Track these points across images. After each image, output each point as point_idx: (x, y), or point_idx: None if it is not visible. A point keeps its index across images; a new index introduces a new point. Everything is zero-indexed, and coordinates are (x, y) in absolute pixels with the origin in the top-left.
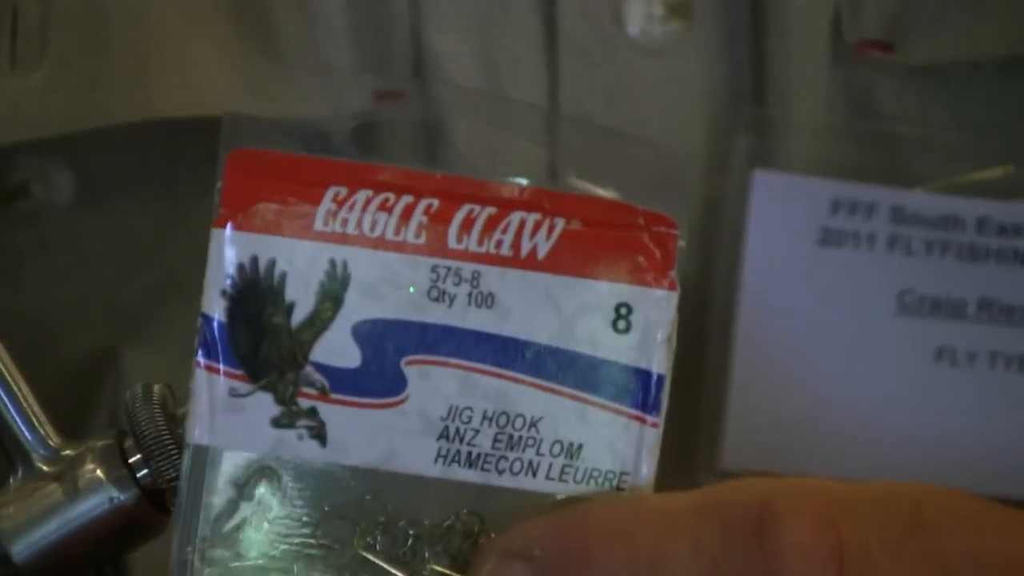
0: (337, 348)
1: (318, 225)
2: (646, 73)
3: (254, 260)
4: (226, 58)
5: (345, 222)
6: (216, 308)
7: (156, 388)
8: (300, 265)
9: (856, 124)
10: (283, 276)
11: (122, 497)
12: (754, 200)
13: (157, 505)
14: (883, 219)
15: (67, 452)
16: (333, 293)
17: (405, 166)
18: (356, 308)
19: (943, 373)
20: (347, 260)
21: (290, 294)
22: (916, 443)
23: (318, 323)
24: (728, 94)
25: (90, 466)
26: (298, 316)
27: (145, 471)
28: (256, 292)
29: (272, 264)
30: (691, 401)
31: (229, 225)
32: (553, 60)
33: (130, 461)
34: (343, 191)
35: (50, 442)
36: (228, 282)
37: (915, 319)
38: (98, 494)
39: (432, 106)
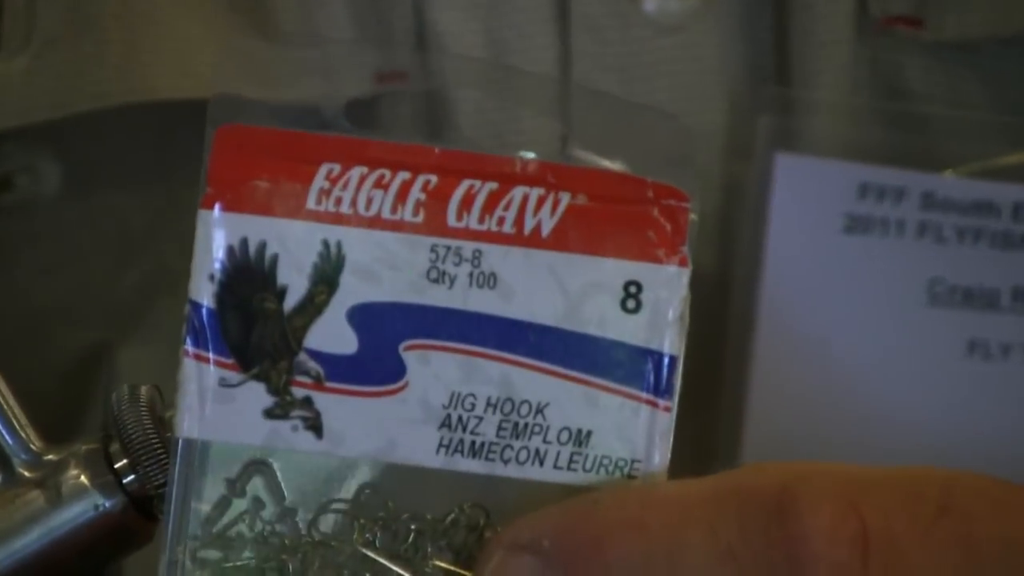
0: (332, 334)
1: (311, 204)
2: (662, 51)
3: (244, 242)
4: (220, 38)
5: (339, 200)
6: (204, 293)
7: (143, 389)
8: (292, 247)
9: (883, 104)
10: (274, 259)
11: (107, 504)
12: (777, 184)
13: (145, 512)
14: (912, 205)
15: (50, 457)
16: (327, 276)
17: (402, 141)
18: (352, 291)
19: (975, 367)
20: (341, 240)
21: (282, 277)
22: (946, 440)
23: (312, 308)
24: (748, 73)
25: (74, 471)
26: (291, 301)
27: (132, 477)
28: (246, 276)
29: (263, 246)
30: (710, 395)
31: (217, 206)
32: (564, 37)
33: (116, 466)
34: (336, 168)
35: (32, 446)
36: (217, 266)
37: (946, 310)
38: (82, 501)
39: (436, 84)
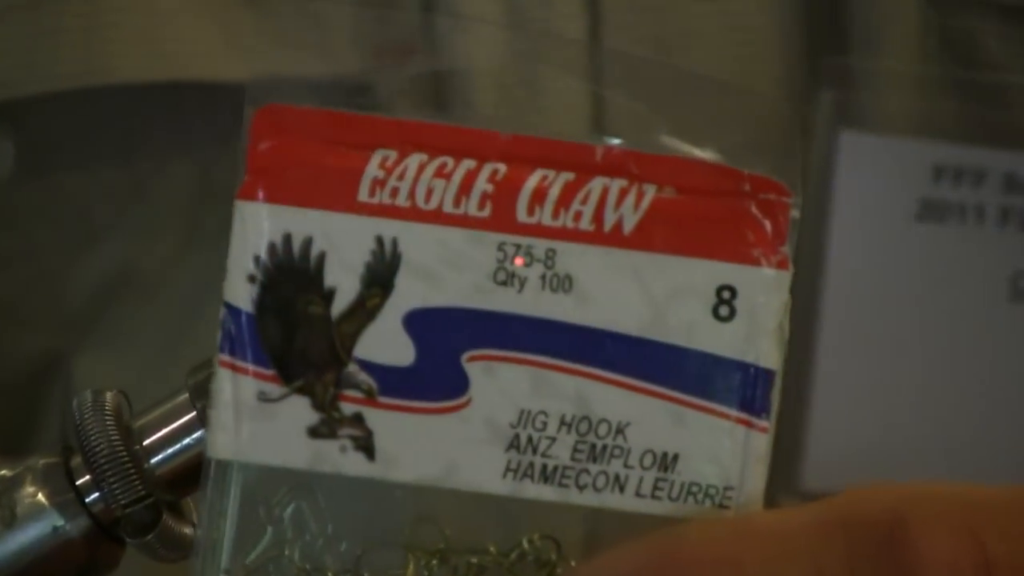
0: (386, 342)
1: (363, 195)
2: (703, 18)
3: (287, 238)
4: (197, 6)
5: (395, 192)
6: (242, 296)
7: (109, 396)
8: (341, 244)
9: (957, 74)
10: (321, 257)
11: (68, 526)
12: (841, 167)
13: (111, 536)
14: (994, 188)
15: (3, 472)
16: (381, 277)
17: (467, 124)
18: (409, 294)
19: None
20: (397, 237)
21: (330, 278)
22: None
23: (363, 313)
24: (803, 41)
25: (30, 489)
26: (340, 304)
27: (96, 495)
28: (289, 276)
29: (308, 243)
30: None
31: (257, 196)
32: (592, 4)
33: (78, 483)
34: (392, 155)
35: None
36: (256, 265)
37: None
38: (39, 522)
39: (446, 57)
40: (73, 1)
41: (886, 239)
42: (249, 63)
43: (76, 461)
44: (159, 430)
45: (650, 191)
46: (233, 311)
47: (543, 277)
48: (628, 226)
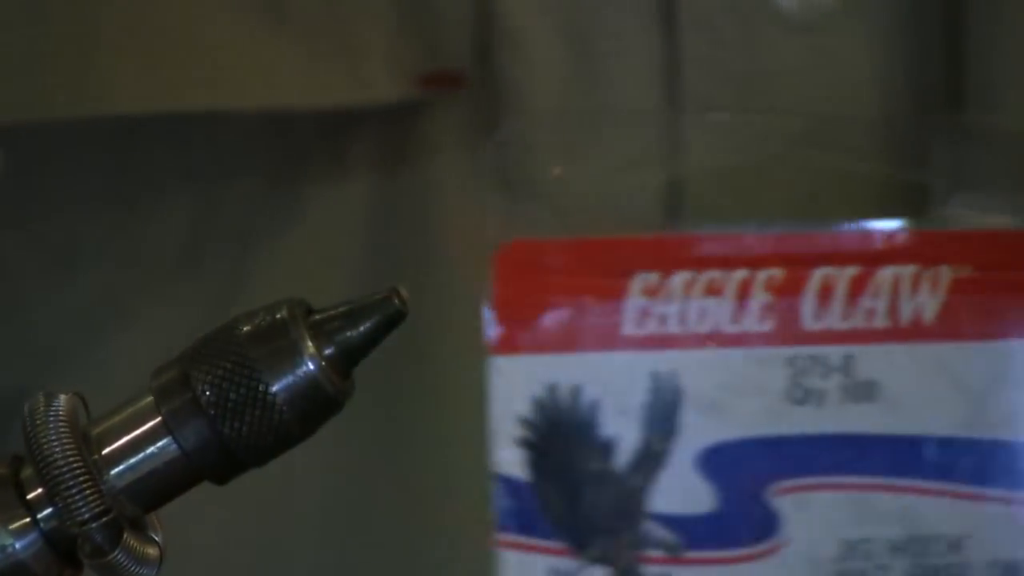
0: (682, 489)
1: (628, 328)
2: (794, 55)
3: (552, 389)
4: (211, 26)
5: (663, 319)
6: (512, 463)
7: (63, 399)
8: (614, 386)
9: None
10: (594, 404)
11: (17, 546)
12: None
13: (65, 557)
14: None
15: None
16: (663, 417)
17: (717, 229)
18: (697, 432)
19: None
20: (675, 369)
21: (607, 427)
22: None
23: (651, 460)
24: (911, 86)
25: None
26: (623, 455)
27: (49, 511)
28: (563, 432)
29: (577, 391)
30: None
31: (513, 348)
32: (671, 37)
33: (28, 497)
34: (653, 277)
35: None
36: (523, 425)
37: None
38: None
39: (501, 91)
40: (69, 22)
41: None
42: (277, 90)
43: (27, 472)
44: (120, 437)
45: (946, 273)
46: (506, 482)
47: (843, 388)
48: (928, 316)
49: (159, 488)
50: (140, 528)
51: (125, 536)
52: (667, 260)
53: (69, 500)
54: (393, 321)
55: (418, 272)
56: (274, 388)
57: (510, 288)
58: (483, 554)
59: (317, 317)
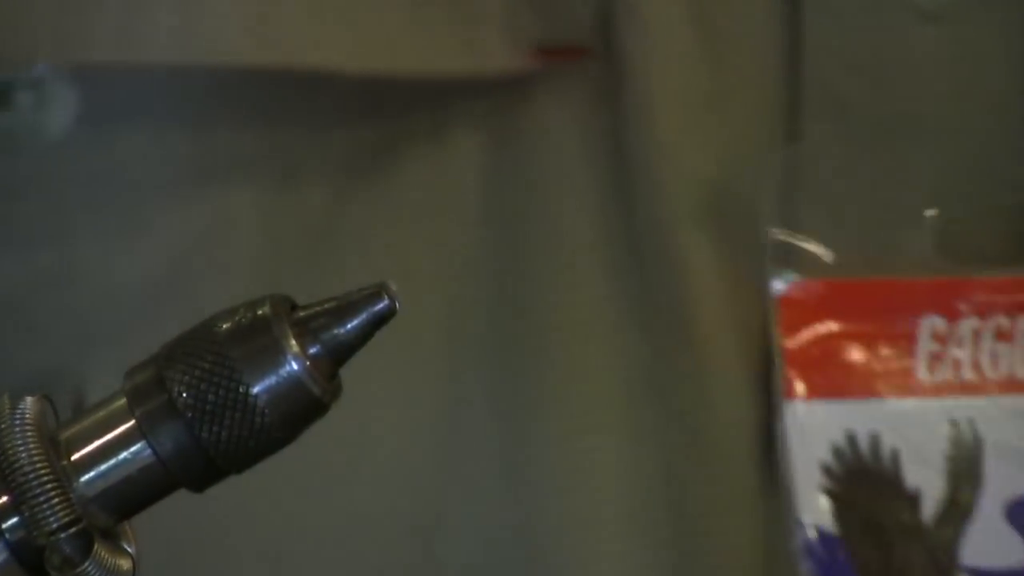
0: (991, 543)
1: (921, 373)
2: (925, 44)
3: (851, 439)
4: None
5: (957, 364)
6: (821, 514)
7: (30, 401)
8: (912, 434)
9: None
10: (895, 454)
11: None
12: None
13: (33, 570)
14: None
15: None
16: (965, 466)
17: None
18: (1004, 481)
19: None
20: (973, 417)
21: (911, 477)
22: None
23: (957, 512)
24: None
25: None
26: (929, 507)
27: (14, 520)
28: (866, 482)
29: (877, 439)
30: None
31: (807, 395)
32: (794, 20)
33: None
34: (940, 322)
35: None
36: (826, 475)
37: None
38: None
39: (624, 68)
40: None
41: None
42: (383, 52)
43: None
44: (91, 442)
45: None
46: (819, 535)
47: None
48: None
49: (132, 496)
50: (112, 538)
51: (96, 547)
52: (951, 305)
53: (36, 509)
54: (382, 318)
55: (531, 260)
56: (255, 389)
57: (798, 335)
58: None
59: (301, 314)
